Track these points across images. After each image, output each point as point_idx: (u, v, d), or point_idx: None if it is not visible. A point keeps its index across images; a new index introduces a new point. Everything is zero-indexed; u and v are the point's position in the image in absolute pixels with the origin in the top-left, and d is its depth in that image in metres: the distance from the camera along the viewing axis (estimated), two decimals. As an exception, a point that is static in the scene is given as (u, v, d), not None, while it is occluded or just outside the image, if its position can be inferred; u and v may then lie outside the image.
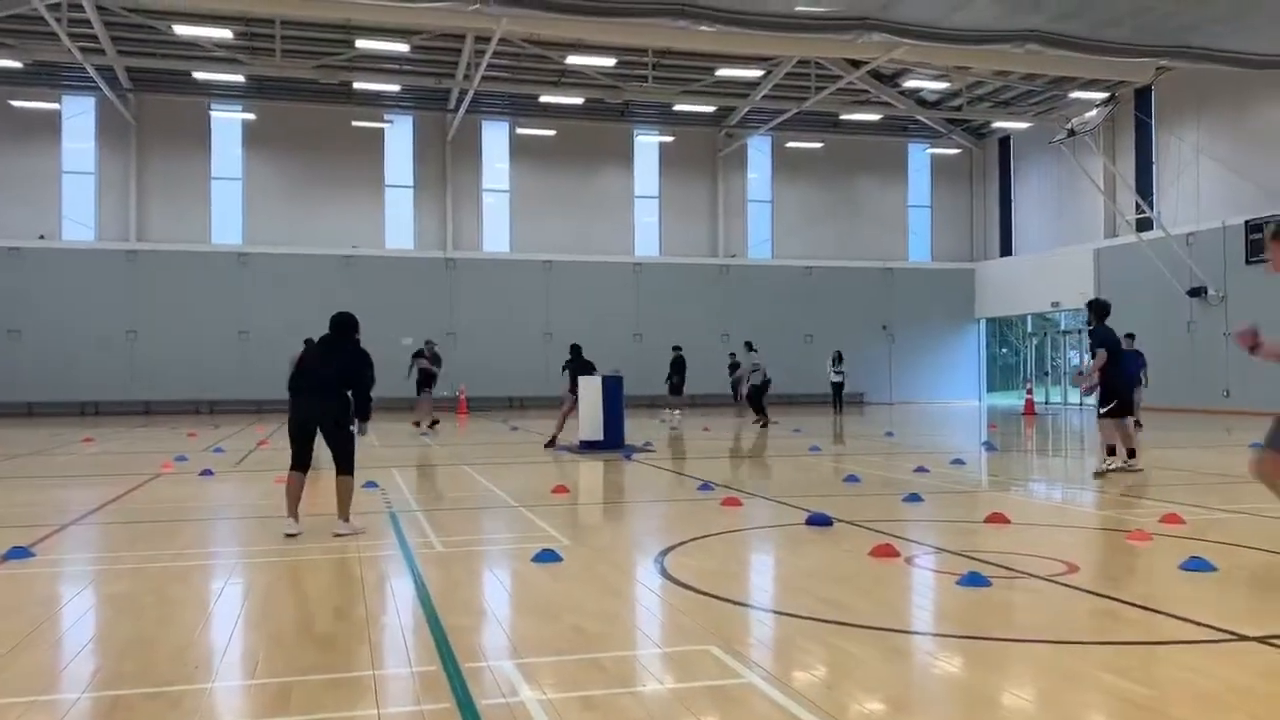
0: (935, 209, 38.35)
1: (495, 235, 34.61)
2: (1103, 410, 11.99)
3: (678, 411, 24.59)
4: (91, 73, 28.08)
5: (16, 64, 27.84)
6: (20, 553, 7.02)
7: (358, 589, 6.14)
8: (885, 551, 6.92)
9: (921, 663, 4.69)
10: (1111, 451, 11.83)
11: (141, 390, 30.34)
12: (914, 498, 9.84)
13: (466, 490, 11.38)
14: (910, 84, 32.05)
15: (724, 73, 29.35)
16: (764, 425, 21.62)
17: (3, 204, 30.29)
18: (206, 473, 12.83)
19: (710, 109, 33.52)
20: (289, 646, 4.86)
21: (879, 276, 36.83)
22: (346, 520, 8.12)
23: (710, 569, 6.70)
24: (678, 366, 25.65)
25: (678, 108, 32.75)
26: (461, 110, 31.33)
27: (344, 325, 8.58)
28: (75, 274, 30.44)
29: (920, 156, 37.99)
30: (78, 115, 31.33)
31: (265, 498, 10.62)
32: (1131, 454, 11.96)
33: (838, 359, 29.20)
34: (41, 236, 30.59)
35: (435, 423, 22.50)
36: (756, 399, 22.60)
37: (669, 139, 35.61)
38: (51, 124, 31.08)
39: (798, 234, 36.72)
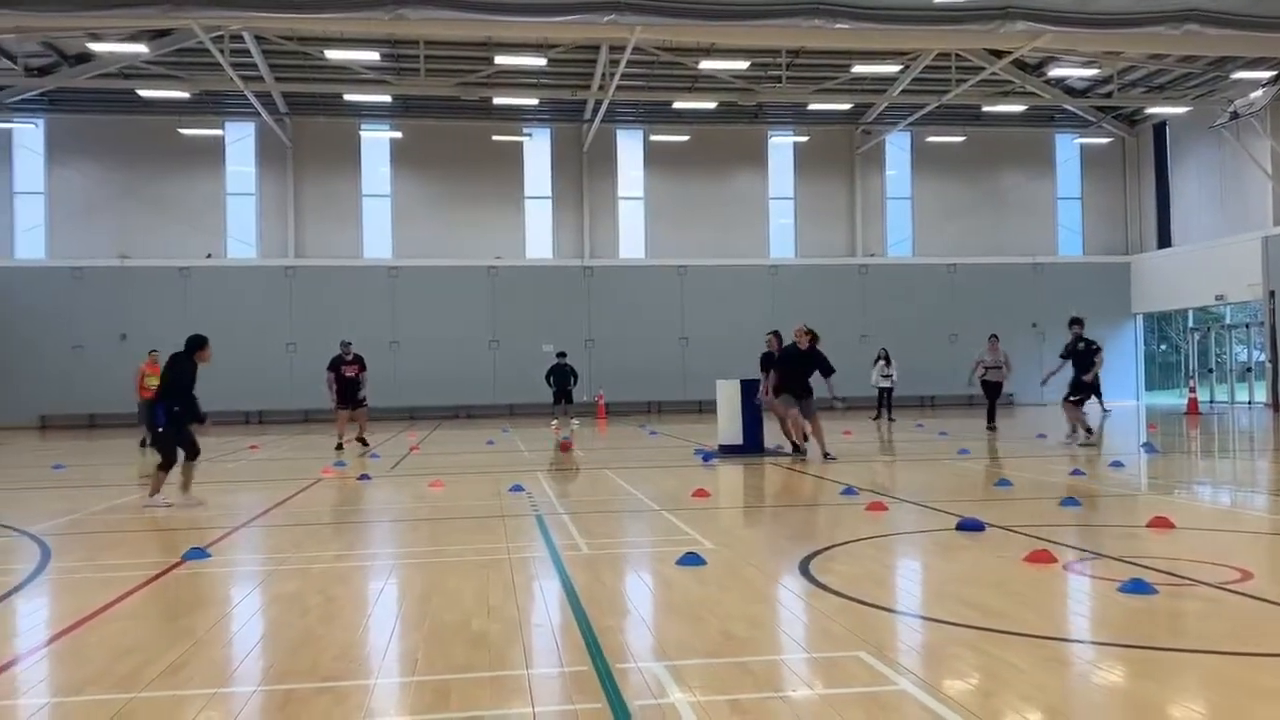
0: (1086, 201, 36.77)
1: (631, 242, 34.95)
2: None
3: (574, 421, 24.31)
4: (251, 99, 29.69)
5: (184, 94, 29.70)
6: (198, 554, 7.48)
7: (509, 590, 6.30)
8: (1041, 557, 6.69)
9: (1082, 672, 4.52)
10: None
11: (301, 399, 31.81)
12: (1070, 501, 9.47)
13: (608, 494, 11.53)
14: (1056, 72, 30.82)
15: (860, 69, 28.87)
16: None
17: (173, 226, 32.30)
18: (364, 477, 13.39)
19: (846, 107, 33.03)
20: (446, 645, 5.03)
21: (1027, 272, 35.55)
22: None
23: (857, 574, 6.61)
24: (561, 374, 24.49)
25: (812, 107, 32.39)
26: (597, 120, 31.78)
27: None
28: (240, 290, 32.23)
29: (1068, 147, 36.48)
30: (239, 140, 33.19)
31: (418, 500, 11.03)
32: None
33: (886, 359, 25.91)
34: (209, 256, 32.51)
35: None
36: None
37: (803, 139, 35.26)
38: (215, 149, 33.00)
39: (940, 231, 35.78)
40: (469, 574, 6.86)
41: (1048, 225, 36.49)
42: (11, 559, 7.70)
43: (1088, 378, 16.07)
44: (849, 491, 10.63)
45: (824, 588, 6.12)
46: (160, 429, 10.64)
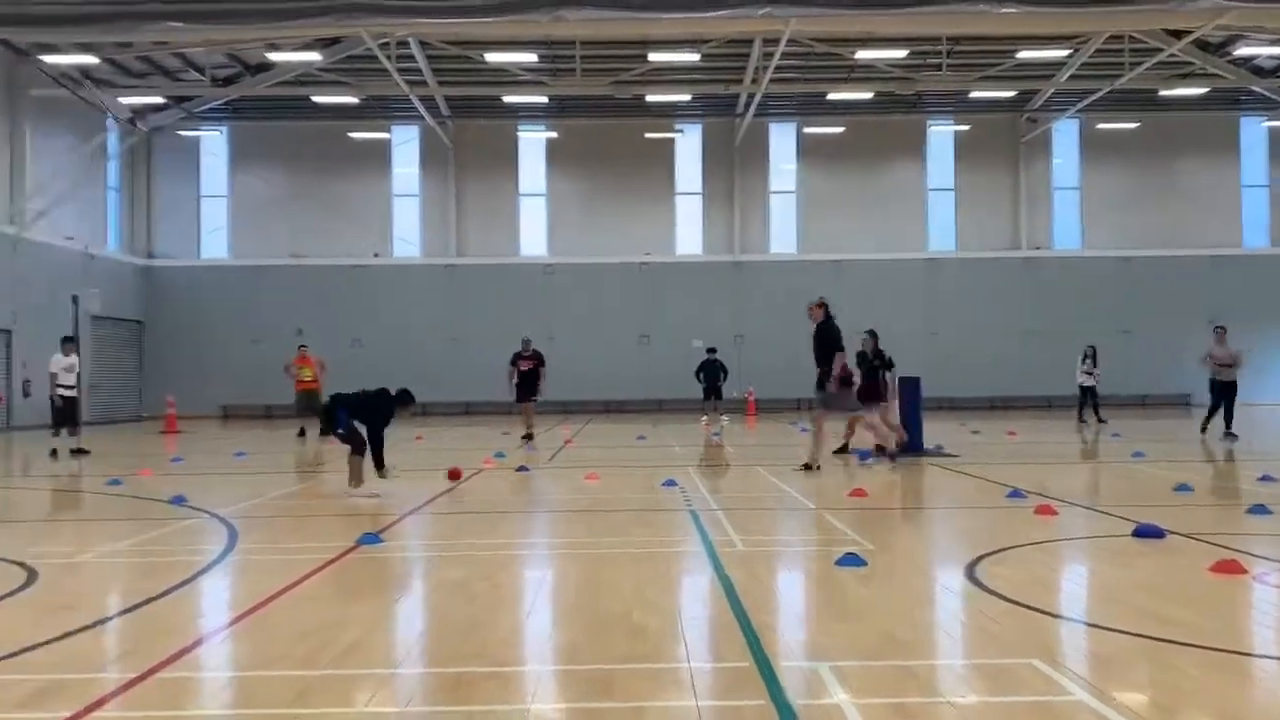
0: (1275, 189, 34.31)
1: (783, 237, 34.62)
2: None
3: (723, 417, 23.82)
4: (415, 103, 30.85)
5: (353, 100, 31.10)
6: (371, 539, 7.82)
7: (667, 583, 6.34)
8: (1228, 568, 6.28)
9: (1272, 689, 4.23)
10: None
11: (462, 391, 32.87)
12: (1260, 509, 8.86)
13: (762, 490, 11.46)
14: (1242, 51, 28.87)
15: (1025, 55, 27.78)
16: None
17: (344, 227, 33.88)
18: (522, 469, 13.73)
19: (1010, 94, 31.84)
20: (608, 635, 5.09)
21: (1206, 266, 33.44)
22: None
23: (1027, 579, 6.36)
24: (710, 370, 24.03)
25: (974, 94, 31.37)
26: (749, 114, 31.61)
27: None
28: (405, 287, 33.57)
29: (1255, 131, 34.10)
30: (404, 143, 34.53)
31: (575, 492, 11.23)
32: None
33: (1091, 357, 23.53)
34: (376, 255, 33.97)
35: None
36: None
37: (964, 128, 34.17)
38: (382, 152, 34.43)
39: (1110, 222, 34.07)
40: (626, 566, 6.93)
41: (1231, 215, 34.25)
42: (202, 540, 8.24)
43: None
44: (1015, 494, 10.24)
45: (991, 592, 5.92)
46: (340, 430, 11.02)
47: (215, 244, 34.42)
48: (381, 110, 33.37)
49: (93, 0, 22.01)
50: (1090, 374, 23.49)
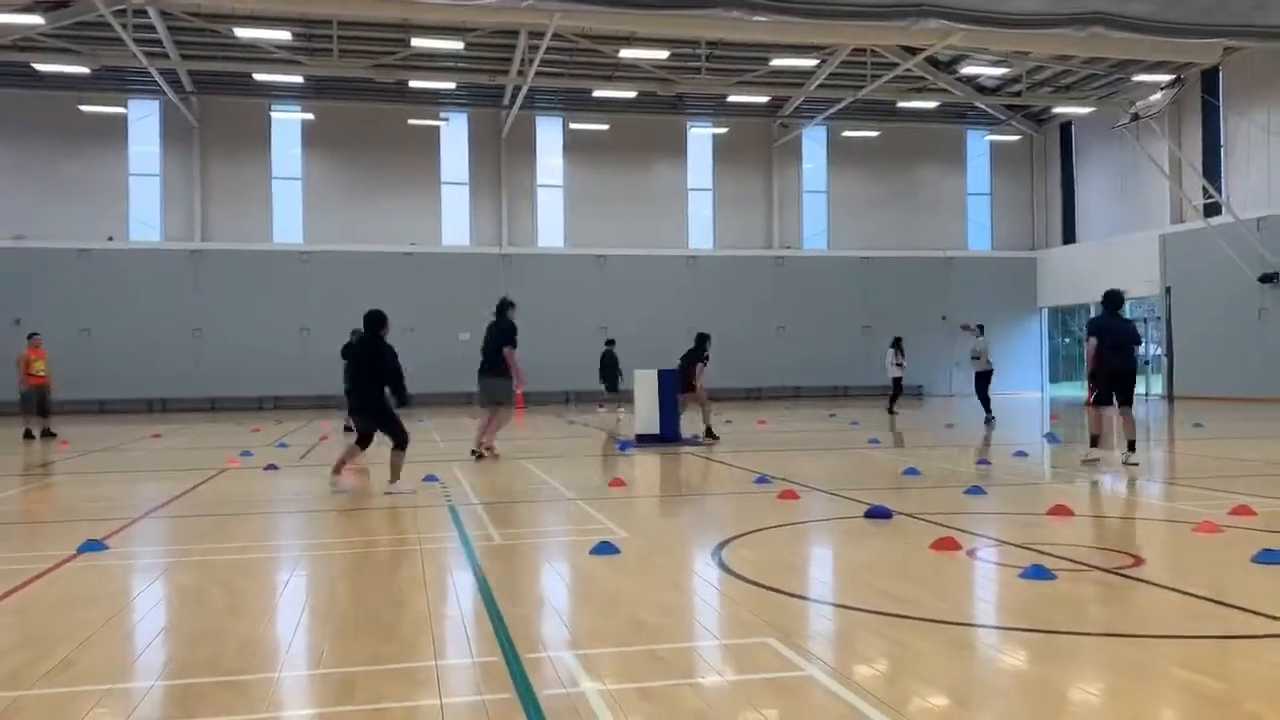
0: (995, 196, 37.75)
1: (550, 230, 34.76)
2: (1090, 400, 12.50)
3: (619, 409, 24.72)
4: (156, 76, 28.72)
5: (84, 69, 28.53)
6: (94, 545, 7.21)
7: (419, 581, 6.21)
8: (947, 545, 6.84)
9: (985, 657, 4.63)
10: (1095, 442, 12.33)
11: (207, 387, 30.99)
12: (975, 490, 9.71)
13: (525, 484, 11.45)
14: (968, 70, 31.55)
15: (778, 62, 29.15)
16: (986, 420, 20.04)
17: (72, 207, 31.09)
18: (271, 467, 13.08)
19: (764, 99, 33.33)
20: (352, 637, 4.93)
21: (938, 266, 36.36)
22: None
23: (768, 562, 6.67)
24: (609, 363, 25.95)
25: (731, 99, 32.62)
26: (515, 106, 31.49)
27: (372, 323, 10.41)
28: (142, 274, 31.19)
29: (979, 143, 37.39)
30: (143, 119, 32.07)
31: (328, 491, 10.80)
32: (1131, 446, 11.79)
33: (898, 348, 24.03)
34: (110, 238, 31.37)
35: None
36: (983, 389, 20.71)
37: (722, 130, 35.49)
38: (118, 127, 31.84)
39: (854, 224, 36.37)
40: (378, 566, 6.76)
41: (958, 220, 37.36)
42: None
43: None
44: (762, 480, 10.73)
45: (736, 575, 6.17)
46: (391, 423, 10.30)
47: (-83, 222, 30.75)
48: (117, 82, 30.82)
49: None
50: (899, 365, 23.88)
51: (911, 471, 11.50)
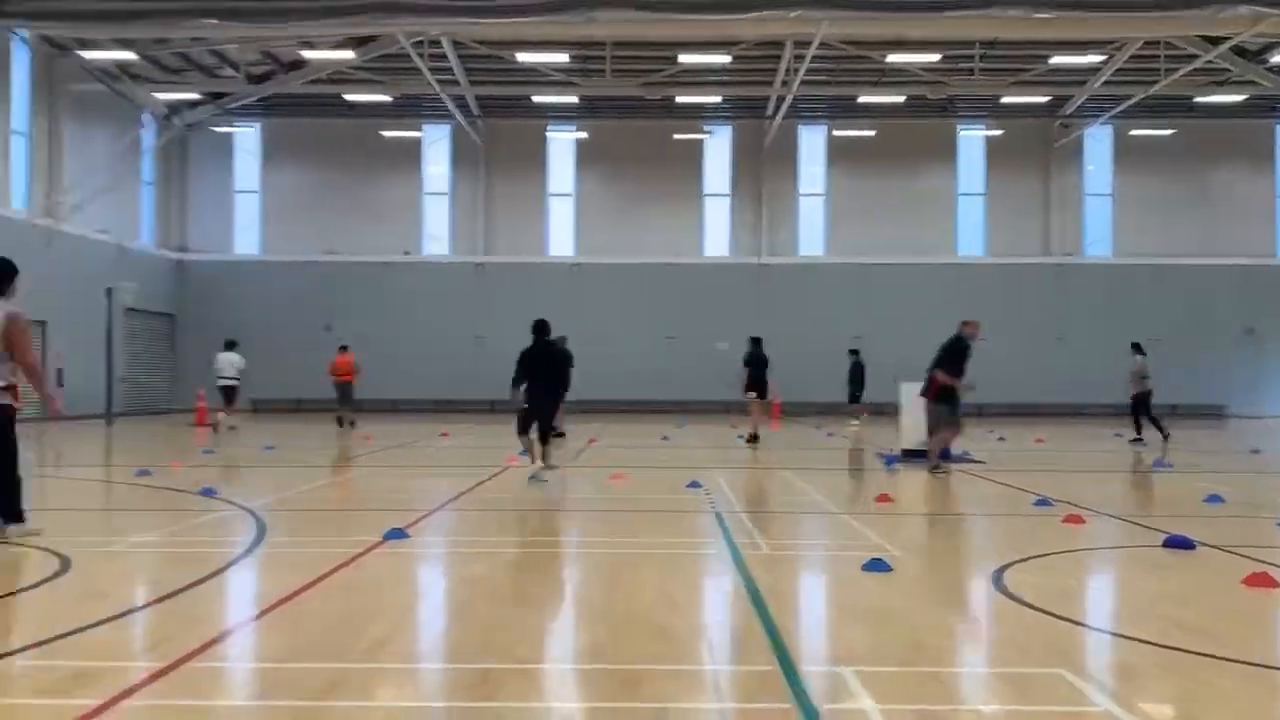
0: (1313, 197, 33.88)
1: (810, 240, 34.55)
2: None
3: (859, 419, 23.31)
4: (447, 102, 31.01)
5: (386, 98, 31.29)
6: (397, 534, 7.87)
7: (691, 585, 6.35)
8: (1262, 581, 6.20)
9: (1310, 708, 4.18)
10: None
11: (488, 389, 32.98)
12: (1292, 522, 8.76)
13: (788, 495, 11.43)
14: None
15: (1058, 60, 27.56)
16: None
17: (374, 224, 34.08)
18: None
19: (1043, 99, 31.62)
20: (631, 636, 5.10)
21: (1239, 275, 33.05)
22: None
23: (1055, 589, 6.32)
24: (856, 373, 24.66)
25: (1006, 100, 31.16)
26: (779, 116, 31.55)
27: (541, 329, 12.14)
28: (432, 285, 33.74)
29: (1294, 138, 33.70)
30: (435, 142, 34.71)
31: (599, 492, 11.26)
32: None
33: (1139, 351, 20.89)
34: (406, 252, 34.17)
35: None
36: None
37: (996, 133, 33.96)
38: (413, 150, 34.62)
39: (1143, 230, 33.71)
40: (650, 568, 6.93)
41: (1267, 225, 33.83)
42: (231, 532, 8.31)
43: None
44: (1042, 503, 10.16)
45: (1018, 600, 5.88)
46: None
47: (247, 239, 34.72)
48: (414, 109, 33.54)
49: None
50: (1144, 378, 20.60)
51: (1214, 499, 10.52)
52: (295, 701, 4.02)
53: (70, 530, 8.32)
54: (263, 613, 5.59)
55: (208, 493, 10.52)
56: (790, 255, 34.27)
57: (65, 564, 6.68)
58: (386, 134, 33.55)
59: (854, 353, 25.70)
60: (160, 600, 5.82)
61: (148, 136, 31.98)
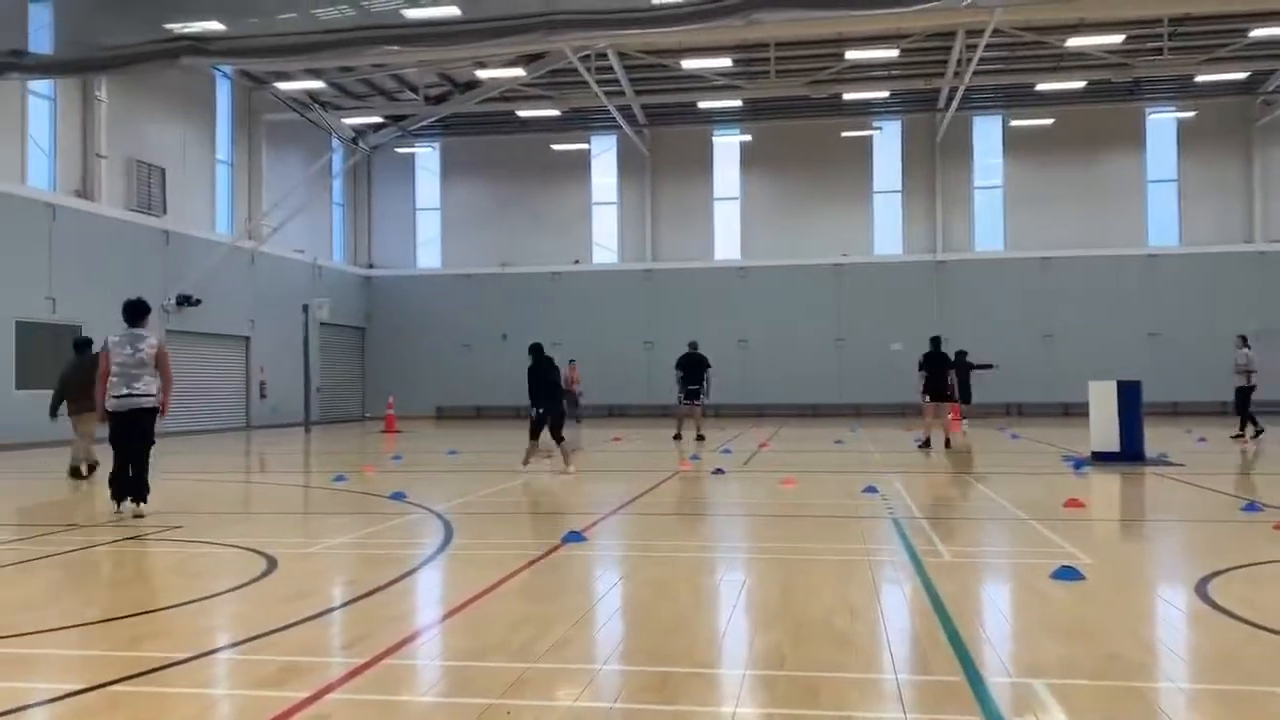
0: None
1: (987, 234, 33.34)
2: None
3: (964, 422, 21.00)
4: (614, 113, 31.55)
5: (555, 112, 32.12)
6: (575, 537, 8.06)
7: (869, 592, 6.23)
8: None
9: None
10: None
11: (658, 394, 33.30)
12: None
13: (969, 500, 11.07)
14: None
15: (1259, 33, 25.67)
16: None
17: (545, 236, 35.01)
18: (718, 471, 13.79)
19: (1241, 76, 29.50)
20: (811, 642, 5.05)
21: None
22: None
23: (1271, 601, 5.88)
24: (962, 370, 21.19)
25: (1200, 78, 29.24)
26: (951, 108, 30.61)
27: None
28: (602, 293, 34.36)
29: None
30: (603, 153, 35.38)
31: (772, 497, 11.19)
32: None
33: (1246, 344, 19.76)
34: (576, 261, 34.94)
35: None
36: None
37: (1189, 114, 31.90)
38: (582, 162, 35.38)
39: (1362, 211, 31.01)
40: (827, 573, 6.85)
41: None
42: (420, 534, 8.71)
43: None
44: (1251, 508, 9.47)
45: (1227, 613, 5.51)
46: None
47: (429, 254, 36.30)
48: (581, 122, 34.29)
49: (320, 29, 23.66)
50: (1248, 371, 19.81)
51: None
52: (479, 700, 4.17)
53: (277, 532, 8.91)
54: (450, 613, 5.83)
55: (397, 496, 11.04)
56: (966, 251, 33.17)
57: (272, 564, 7.15)
58: (556, 147, 34.43)
59: (961, 354, 22.13)
60: (357, 600, 6.15)
61: (337, 160, 33.89)
